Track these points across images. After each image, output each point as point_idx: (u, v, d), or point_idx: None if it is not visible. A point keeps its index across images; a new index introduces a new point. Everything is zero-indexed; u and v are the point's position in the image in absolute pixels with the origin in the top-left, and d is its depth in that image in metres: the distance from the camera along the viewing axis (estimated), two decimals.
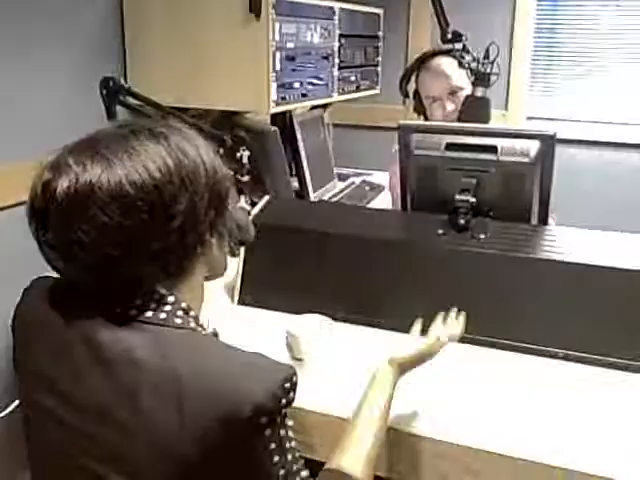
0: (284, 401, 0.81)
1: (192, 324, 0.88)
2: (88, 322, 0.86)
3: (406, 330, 1.43)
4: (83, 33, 2.03)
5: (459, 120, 2.02)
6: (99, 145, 0.84)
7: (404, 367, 1.09)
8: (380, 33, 2.96)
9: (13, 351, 0.96)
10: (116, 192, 0.80)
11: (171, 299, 0.87)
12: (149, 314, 0.86)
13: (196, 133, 0.92)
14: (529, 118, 3.36)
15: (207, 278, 0.97)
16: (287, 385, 0.81)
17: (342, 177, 3.01)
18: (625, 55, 3.18)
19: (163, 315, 0.86)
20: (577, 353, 1.37)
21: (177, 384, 0.79)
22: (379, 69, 3.00)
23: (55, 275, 0.91)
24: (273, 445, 0.81)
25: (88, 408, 0.83)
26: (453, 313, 1.24)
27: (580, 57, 3.26)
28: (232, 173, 0.97)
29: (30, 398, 0.92)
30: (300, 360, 1.31)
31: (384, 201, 2.67)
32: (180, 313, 0.87)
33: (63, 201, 0.80)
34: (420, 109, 2.17)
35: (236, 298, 1.64)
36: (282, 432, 0.82)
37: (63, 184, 0.81)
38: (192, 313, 0.90)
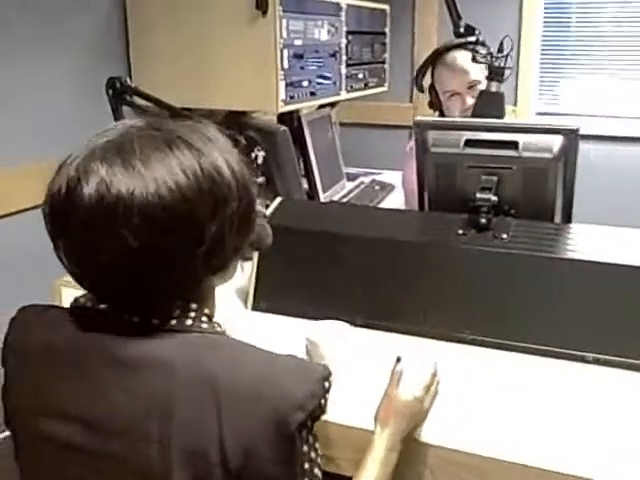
0: (323, 401, 0.79)
1: (218, 329, 0.87)
2: (105, 338, 0.81)
3: (426, 335, 1.40)
4: (86, 34, 1.99)
5: (473, 116, 1.97)
6: (131, 153, 0.78)
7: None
8: (387, 29, 2.92)
9: (4, 381, 0.89)
10: (143, 207, 0.76)
11: (194, 306, 0.84)
12: (173, 322, 0.82)
13: (224, 137, 0.88)
14: (539, 113, 3.31)
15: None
16: (326, 384, 0.80)
17: (351, 177, 2.97)
18: (636, 46, 3.12)
19: (189, 322, 0.83)
20: (608, 357, 1.31)
21: (214, 389, 0.76)
22: (386, 66, 2.95)
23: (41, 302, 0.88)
24: (306, 448, 0.79)
25: (114, 428, 0.78)
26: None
27: (590, 50, 3.21)
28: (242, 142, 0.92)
29: (31, 430, 0.85)
30: None
31: (395, 201, 2.62)
32: (205, 319, 0.85)
33: (84, 210, 0.76)
34: (436, 104, 2.12)
35: (250, 304, 1.58)
36: (311, 439, 0.81)
37: (89, 190, 0.76)
38: (214, 319, 0.88)
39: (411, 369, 1.06)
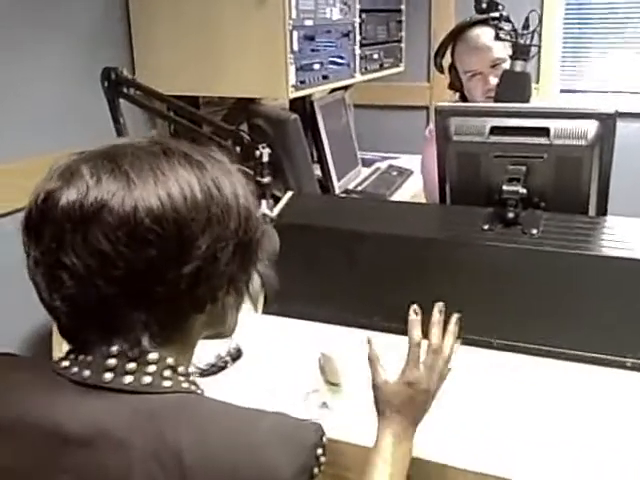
0: (316, 470, 0.68)
1: (184, 384, 0.73)
2: (47, 404, 0.70)
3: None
4: (86, 21, 1.91)
5: (496, 99, 1.85)
6: (122, 159, 0.70)
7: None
8: (402, 6, 2.80)
9: None
10: (128, 217, 0.66)
11: (153, 356, 0.71)
12: (129, 379, 0.69)
13: (237, 169, 0.78)
14: (562, 91, 3.19)
15: (207, 337, 0.81)
16: (319, 451, 0.69)
17: (367, 162, 2.88)
18: None
19: (147, 379, 0.70)
20: None
21: (181, 469, 0.64)
22: (403, 45, 2.84)
23: None
24: None
25: None
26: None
27: (613, 25, 3.07)
28: (251, 173, 0.81)
29: None
30: (336, 385, 1.17)
31: (413, 188, 2.52)
32: (168, 373, 0.71)
33: (64, 216, 0.67)
34: (457, 85, 2.01)
35: (260, 307, 1.50)
36: None
37: (70, 196, 0.67)
38: (181, 369, 0.73)
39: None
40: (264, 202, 1.37)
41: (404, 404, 0.93)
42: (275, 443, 0.67)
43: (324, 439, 0.70)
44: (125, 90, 1.44)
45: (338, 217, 1.55)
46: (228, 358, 1.31)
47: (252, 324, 1.44)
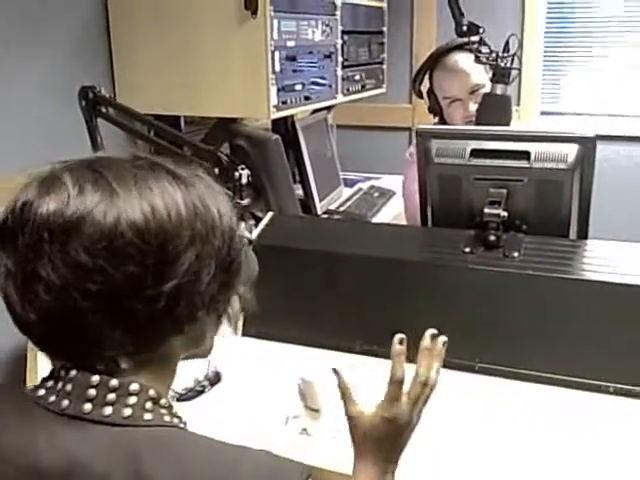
0: None
1: (166, 417, 0.70)
2: (25, 437, 0.67)
3: None
4: (66, 38, 1.88)
5: (477, 121, 1.85)
6: (107, 170, 0.68)
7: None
8: (384, 28, 2.81)
9: None
10: (109, 230, 0.64)
11: (135, 387, 0.68)
12: (108, 410, 0.67)
13: (222, 189, 0.76)
14: (543, 113, 3.21)
15: (184, 358, 0.78)
16: None
17: (349, 183, 2.87)
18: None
19: (128, 411, 0.67)
20: (629, 387, 1.23)
21: None
22: (384, 67, 2.85)
23: None
24: None
25: None
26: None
27: (594, 47, 3.11)
28: (230, 195, 0.79)
29: None
30: (316, 411, 1.15)
31: (395, 208, 2.51)
32: (149, 405, 0.69)
33: (43, 225, 0.64)
34: (436, 110, 2.00)
35: (239, 329, 1.47)
36: None
37: (50, 205, 0.65)
38: (163, 401, 0.71)
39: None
40: (243, 224, 1.35)
41: (382, 440, 0.87)
42: None
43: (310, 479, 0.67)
44: (103, 109, 1.42)
45: (319, 239, 1.53)
46: (206, 382, 1.28)
47: (231, 347, 1.42)
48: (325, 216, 2.42)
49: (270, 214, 1.60)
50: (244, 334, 1.48)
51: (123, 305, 0.66)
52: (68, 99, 1.64)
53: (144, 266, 0.65)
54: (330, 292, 1.43)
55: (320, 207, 2.44)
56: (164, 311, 0.67)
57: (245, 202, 1.35)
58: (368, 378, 1.20)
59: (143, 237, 0.65)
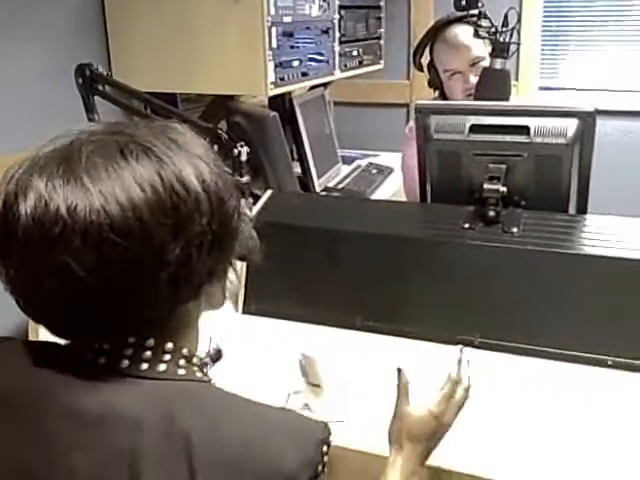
0: (320, 468, 0.68)
1: (198, 374, 0.74)
2: (63, 384, 0.69)
3: (432, 339, 1.30)
4: (61, 17, 1.86)
5: (476, 96, 1.84)
6: (76, 163, 0.66)
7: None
8: (382, 3, 2.78)
9: None
10: (89, 229, 0.63)
11: (169, 346, 0.72)
12: (144, 366, 0.70)
13: (201, 142, 0.74)
14: (541, 88, 3.19)
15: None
16: (324, 449, 0.68)
17: (347, 160, 2.85)
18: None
19: (162, 367, 0.71)
20: (628, 360, 1.23)
21: (188, 454, 0.64)
22: (382, 42, 2.82)
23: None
24: None
25: None
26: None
27: (593, 22, 3.08)
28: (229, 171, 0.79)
29: None
30: (317, 386, 1.16)
31: (394, 185, 2.51)
32: (182, 362, 0.72)
33: (27, 229, 0.64)
34: (436, 83, 1.99)
35: (240, 306, 1.48)
36: None
37: (28, 208, 0.64)
38: (195, 360, 0.75)
39: (421, 380, 0.96)
40: (243, 201, 1.34)
41: (424, 435, 0.93)
42: (284, 435, 0.67)
43: (330, 438, 0.70)
44: (100, 87, 1.41)
45: (318, 216, 1.53)
46: (208, 360, 1.28)
47: (232, 324, 1.43)
48: (324, 193, 2.41)
49: (269, 192, 1.60)
50: (245, 311, 1.48)
51: (125, 298, 0.67)
52: (65, 78, 1.63)
53: (131, 260, 0.65)
54: (330, 269, 1.43)
55: (318, 184, 2.44)
56: (169, 295, 0.68)
57: (245, 179, 1.34)
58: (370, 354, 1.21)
59: (124, 232, 0.63)
